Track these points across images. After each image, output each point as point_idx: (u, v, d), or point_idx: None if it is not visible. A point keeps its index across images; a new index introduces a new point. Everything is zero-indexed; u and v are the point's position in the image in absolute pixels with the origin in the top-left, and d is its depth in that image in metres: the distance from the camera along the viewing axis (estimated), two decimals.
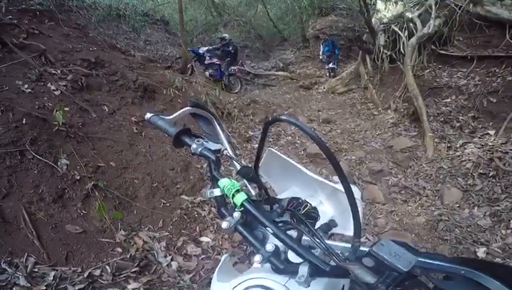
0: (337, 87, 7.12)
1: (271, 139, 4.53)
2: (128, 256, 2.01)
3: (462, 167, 3.29)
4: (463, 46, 4.89)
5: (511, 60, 4.11)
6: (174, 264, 2.12)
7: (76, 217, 2.07)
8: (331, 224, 0.96)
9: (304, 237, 0.77)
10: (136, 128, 3.23)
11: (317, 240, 0.71)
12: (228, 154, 0.91)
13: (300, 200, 1.00)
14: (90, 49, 3.94)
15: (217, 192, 0.76)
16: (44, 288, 1.63)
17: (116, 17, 6.77)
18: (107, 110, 3.11)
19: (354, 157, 4.06)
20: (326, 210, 1.12)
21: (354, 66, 7.07)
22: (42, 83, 2.88)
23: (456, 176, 3.22)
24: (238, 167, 0.90)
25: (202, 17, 11.71)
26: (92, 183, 2.27)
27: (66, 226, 1.98)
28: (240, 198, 0.70)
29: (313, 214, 0.98)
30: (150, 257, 2.11)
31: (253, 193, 0.95)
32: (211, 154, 0.81)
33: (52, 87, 2.83)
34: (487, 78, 4.16)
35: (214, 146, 0.87)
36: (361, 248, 0.69)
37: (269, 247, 0.68)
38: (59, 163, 2.24)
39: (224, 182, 0.74)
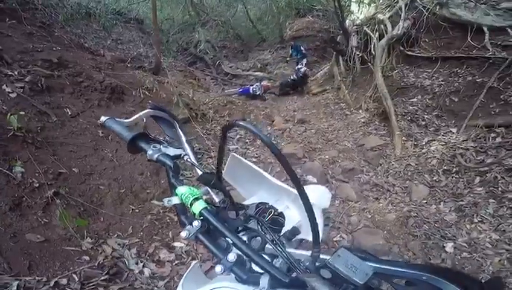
0: (312, 88, 7.23)
1: (247, 140, 4.49)
2: (96, 264, 1.92)
3: (427, 163, 3.43)
4: (429, 48, 5.08)
5: (471, 60, 4.32)
6: (147, 271, 2.05)
7: (37, 226, 1.95)
8: (294, 231, 0.95)
9: (268, 246, 0.75)
10: (102, 132, 3.06)
11: (279, 248, 0.68)
12: (189, 160, 0.85)
13: (266, 206, 1.00)
14: (54, 49, 3.69)
15: (175, 200, 0.72)
16: None
17: (86, 15, 6.43)
18: (69, 113, 2.93)
19: (327, 157, 4.11)
20: (293, 215, 1.11)
21: (328, 67, 7.20)
22: None
23: (422, 172, 3.35)
24: (200, 172, 0.85)
25: (179, 16, 11.38)
26: (53, 190, 2.13)
27: (26, 235, 1.86)
28: (198, 206, 0.67)
29: (278, 220, 0.97)
30: (121, 264, 2.02)
31: (216, 199, 0.92)
32: (169, 161, 0.77)
33: (8, 90, 2.61)
34: (450, 78, 4.36)
35: (173, 151, 0.81)
36: (322, 256, 0.69)
37: (231, 257, 0.65)
38: (13, 171, 2.07)
39: (182, 189, 0.70)
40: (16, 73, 2.87)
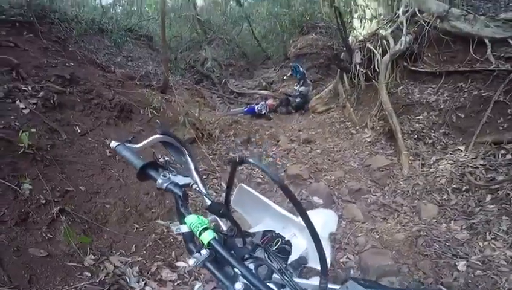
0: (317, 106, 7.18)
1: None
2: (97, 281, 1.90)
3: (436, 182, 3.36)
4: (432, 62, 4.98)
5: (475, 74, 4.23)
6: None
7: (41, 241, 1.96)
8: (301, 261, 0.97)
9: (275, 274, 0.76)
10: (110, 151, 3.12)
11: (286, 278, 0.70)
12: (198, 188, 0.86)
13: (273, 234, 1.01)
14: (67, 64, 3.84)
15: (184, 228, 0.74)
16: None
17: (99, 31, 6.65)
18: (79, 131, 3.01)
19: (333, 177, 4.07)
20: (300, 242, 1.11)
21: (332, 85, 7.12)
22: (10, 100, 2.76)
23: (431, 191, 3.28)
24: (208, 202, 0.86)
25: (187, 34, 11.69)
26: (59, 207, 2.15)
27: (29, 249, 1.88)
28: (207, 237, 0.69)
29: (286, 248, 0.98)
30: (122, 281, 1.99)
31: (224, 227, 0.93)
32: (178, 190, 0.79)
33: (21, 105, 2.70)
34: (455, 94, 4.27)
35: (182, 180, 0.83)
36: (330, 286, 0.69)
37: (238, 286, 0.66)
38: (22, 187, 2.11)
39: (191, 219, 0.72)
40: (30, 88, 2.97)
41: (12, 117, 2.59)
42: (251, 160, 0.71)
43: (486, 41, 4.35)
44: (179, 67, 9.86)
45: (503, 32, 4.32)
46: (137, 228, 2.53)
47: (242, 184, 1.16)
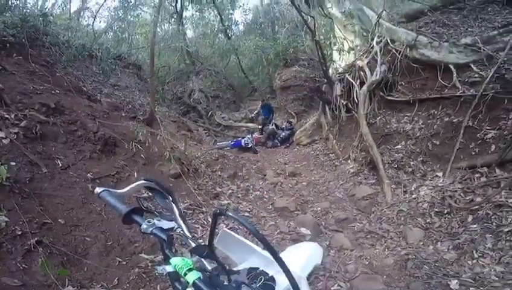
0: (302, 139, 7.30)
1: (239, 195, 4.47)
2: None
3: (419, 208, 3.43)
4: (405, 91, 5.11)
5: (445, 100, 4.36)
6: None
7: (15, 271, 1.84)
8: None
9: None
10: (92, 186, 3.03)
11: None
12: (182, 232, 0.91)
13: (257, 271, 1.07)
14: (53, 92, 3.77)
15: (169, 268, 0.77)
16: None
17: (88, 57, 6.57)
18: (60, 164, 2.93)
19: (319, 208, 4.09)
20: (283, 278, 1.15)
21: (315, 117, 7.27)
22: None
23: (415, 216, 3.33)
24: (193, 245, 0.90)
25: (175, 64, 11.88)
26: (36, 239, 2.04)
27: (2, 278, 1.75)
28: (192, 277, 0.72)
29: (269, 285, 1.04)
30: None
31: (209, 267, 0.95)
32: (162, 234, 0.83)
33: (1, 135, 2.63)
34: (428, 121, 4.40)
35: (166, 225, 0.87)
36: None
37: None
38: None
39: (176, 261, 0.76)
40: (13, 116, 2.89)
41: None
42: (230, 213, 0.78)
43: (452, 67, 4.53)
44: (165, 98, 9.88)
45: (465, 57, 4.53)
46: (119, 261, 2.41)
47: (225, 228, 1.27)
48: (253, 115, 9.43)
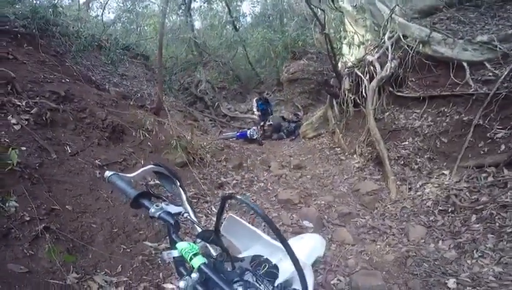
0: (308, 132, 7.28)
1: (243, 186, 4.50)
2: None
3: (423, 205, 3.42)
4: (416, 87, 5.00)
5: (456, 98, 4.28)
6: None
7: (21, 257, 1.89)
8: (287, 284, 1.02)
9: None
10: (99, 173, 3.09)
11: None
12: (189, 217, 0.92)
13: (261, 258, 1.09)
14: (63, 80, 3.82)
15: (175, 253, 0.78)
16: None
17: (97, 48, 6.62)
18: (69, 150, 2.99)
19: (323, 202, 4.10)
20: (287, 266, 1.17)
21: (322, 111, 7.21)
22: (3, 115, 2.74)
23: (418, 214, 3.32)
24: (199, 229, 0.91)
25: (183, 54, 11.91)
26: (43, 225, 2.10)
27: (8, 265, 1.80)
28: (197, 261, 0.73)
29: (273, 272, 1.06)
30: None
31: (214, 253, 0.97)
32: (170, 218, 0.84)
33: (13, 121, 2.68)
34: (438, 118, 4.32)
35: (174, 209, 0.89)
36: None
37: None
38: (7, 205, 2.07)
39: (182, 245, 0.77)
40: (24, 104, 2.95)
41: (3, 133, 2.57)
42: (239, 196, 0.79)
43: (465, 64, 4.45)
44: (173, 88, 9.87)
45: (480, 55, 4.44)
46: (124, 248, 2.47)
47: (232, 214, 1.24)
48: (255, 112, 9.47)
